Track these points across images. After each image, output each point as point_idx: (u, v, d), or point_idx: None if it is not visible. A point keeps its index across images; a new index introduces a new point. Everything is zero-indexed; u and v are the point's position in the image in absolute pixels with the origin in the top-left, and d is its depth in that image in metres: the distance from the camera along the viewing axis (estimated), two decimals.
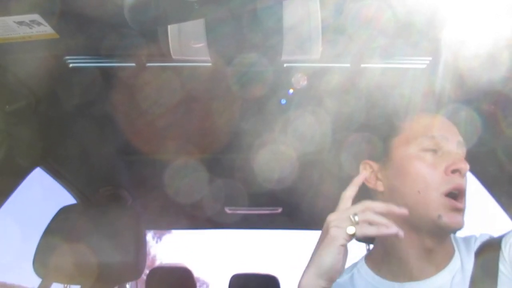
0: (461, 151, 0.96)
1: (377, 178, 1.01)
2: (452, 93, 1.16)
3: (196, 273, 2.60)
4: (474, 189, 1.57)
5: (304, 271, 0.84)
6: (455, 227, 0.90)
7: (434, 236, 0.93)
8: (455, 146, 0.95)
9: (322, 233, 0.85)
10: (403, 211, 0.82)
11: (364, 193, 1.04)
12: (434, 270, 0.94)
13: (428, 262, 0.94)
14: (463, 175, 0.91)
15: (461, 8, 0.87)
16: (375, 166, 1.01)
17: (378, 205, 0.82)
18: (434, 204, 0.89)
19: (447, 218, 0.88)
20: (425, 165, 0.93)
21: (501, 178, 1.42)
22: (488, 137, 1.34)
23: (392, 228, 0.79)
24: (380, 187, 1.00)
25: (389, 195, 0.98)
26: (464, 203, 0.91)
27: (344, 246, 0.80)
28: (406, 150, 0.96)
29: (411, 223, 0.92)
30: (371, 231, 0.79)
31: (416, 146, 0.95)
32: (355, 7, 0.88)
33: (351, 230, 0.79)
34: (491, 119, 1.27)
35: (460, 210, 0.90)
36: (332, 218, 0.83)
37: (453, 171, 0.90)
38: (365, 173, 0.98)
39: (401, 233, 0.79)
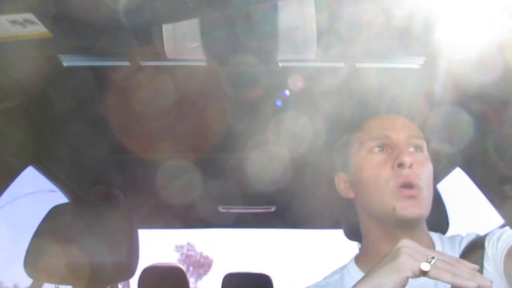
0: (413, 143, 1.00)
1: (348, 188, 1.09)
2: (445, 93, 1.17)
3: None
4: (466, 188, 1.58)
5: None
6: (411, 215, 0.92)
7: (403, 229, 0.96)
8: (402, 140, 0.99)
9: (387, 255, 0.76)
10: (487, 283, 0.67)
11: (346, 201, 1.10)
12: None
13: None
14: (408, 167, 0.94)
15: (455, 9, 0.87)
16: (344, 176, 1.09)
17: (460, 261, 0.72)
18: (387, 198, 0.94)
19: (401, 209, 0.92)
20: (374, 165, 0.99)
21: (493, 178, 1.43)
22: (480, 137, 1.35)
23: (469, 282, 0.66)
24: (351, 194, 1.08)
25: (359, 201, 1.06)
26: (422, 192, 0.94)
27: (408, 279, 0.70)
28: (358, 156, 1.03)
29: (380, 222, 0.99)
30: (446, 277, 0.68)
31: (365, 149, 1.02)
32: (350, 8, 0.88)
33: (425, 266, 0.69)
34: (484, 119, 1.28)
35: (414, 198, 0.93)
36: (406, 243, 0.74)
37: (398, 165, 0.94)
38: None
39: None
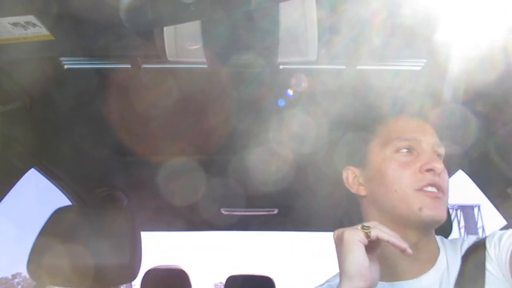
0: (438, 152, 1.00)
1: (359, 183, 1.06)
2: (447, 95, 1.17)
3: (191, 275, 2.58)
4: (469, 189, 1.58)
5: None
6: (437, 218, 0.92)
7: (419, 230, 0.96)
8: (429, 147, 0.98)
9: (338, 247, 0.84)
10: (405, 247, 0.79)
11: (351, 197, 1.08)
12: (421, 269, 0.96)
13: (415, 260, 0.96)
14: (437, 174, 0.93)
15: (456, 10, 0.87)
16: (356, 171, 1.07)
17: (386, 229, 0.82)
18: (412, 199, 0.93)
19: (428, 209, 0.92)
20: (400, 165, 0.97)
21: (495, 179, 1.42)
22: (482, 138, 1.35)
23: (403, 242, 0.79)
24: (362, 191, 1.05)
25: (371, 199, 1.03)
26: (445, 197, 0.94)
27: (362, 244, 0.79)
28: (382, 153, 1.01)
29: (395, 221, 0.96)
30: (384, 235, 0.79)
31: (391, 148, 0.99)
32: (351, 9, 0.89)
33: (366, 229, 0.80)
34: (486, 121, 1.28)
35: (440, 200, 0.93)
36: (342, 230, 0.83)
37: (427, 170, 0.94)
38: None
39: (409, 251, 0.79)
